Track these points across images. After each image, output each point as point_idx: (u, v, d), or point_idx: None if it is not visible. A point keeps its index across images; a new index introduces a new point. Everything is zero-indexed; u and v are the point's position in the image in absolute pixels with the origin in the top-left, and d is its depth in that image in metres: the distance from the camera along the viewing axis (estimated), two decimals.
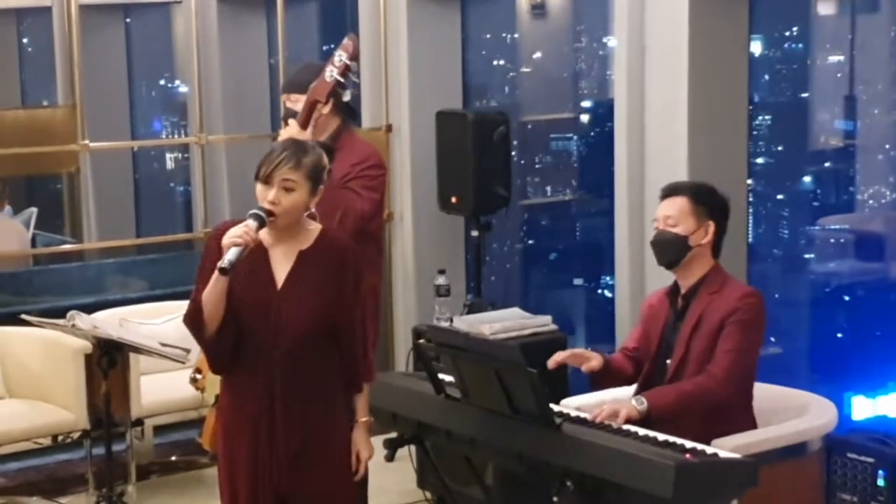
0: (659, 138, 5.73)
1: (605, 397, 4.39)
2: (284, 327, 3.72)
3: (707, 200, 4.31)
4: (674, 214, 4.27)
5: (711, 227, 4.28)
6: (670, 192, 4.35)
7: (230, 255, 3.60)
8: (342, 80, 4.66)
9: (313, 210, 3.78)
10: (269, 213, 3.69)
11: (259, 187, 3.72)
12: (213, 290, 3.65)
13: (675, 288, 4.38)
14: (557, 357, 4.28)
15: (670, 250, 4.28)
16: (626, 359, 4.47)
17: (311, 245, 3.77)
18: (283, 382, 3.74)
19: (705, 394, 4.10)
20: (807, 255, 6.54)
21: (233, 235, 3.63)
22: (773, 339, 6.21)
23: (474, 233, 6.66)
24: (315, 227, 3.82)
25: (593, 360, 4.32)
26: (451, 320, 5.90)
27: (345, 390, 3.84)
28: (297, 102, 4.78)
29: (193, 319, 3.70)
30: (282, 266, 3.77)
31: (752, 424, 4.25)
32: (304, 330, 3.72)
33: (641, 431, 3.79)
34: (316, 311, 3.73)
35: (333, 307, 3.75)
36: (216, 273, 3.61)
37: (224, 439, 3.86)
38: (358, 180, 4.72)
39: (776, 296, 6.46)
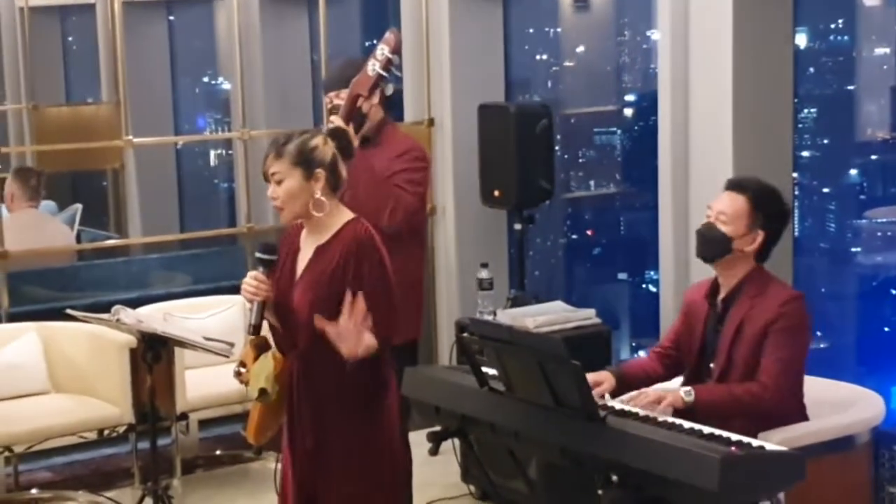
0: (703, 132, 5.69)
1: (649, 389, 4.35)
2: (298, 323, 3.75)
3: (767, 207, 4.20)
4: (729, 212, 4.16)
5: (760, 236, 4.18)
6: (735, 186, 4.24)
7: (252, 317, 3.78)
8: (384, 73, 4.65)
9: (318, 197, 3.72)
10: (272, 249, 3.79)
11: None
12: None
13: (714, 288, 4.32)
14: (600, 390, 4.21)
15: (712, 246, 4.21)
16: (656, 359, 4.40)
17: (327, 239, 3.76)
18: (300, 379, 3.78)
19: (756, 402, 4.02)
20: (854, 249, 6.49)
21: (246, 290, 3.75)
22: (819, 332, 6.16)
23: (517, 226, 6.64)
24: (341, 220, 3.78)
25: (604, 385, 4.22)
26: (495, 314, 5.89)
27: (367, 391, 3.78)
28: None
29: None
30: (303, 263, 3.80)
31: (802, 420, 4.20)
32: (312, 326, 3.69)
33: (686, 424, 3.77)
34: (318, 306, 3.67)
35: (338, 300, 3.65)
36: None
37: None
38: (402, 174, 4.71)
39: (822, 290, 6.41)
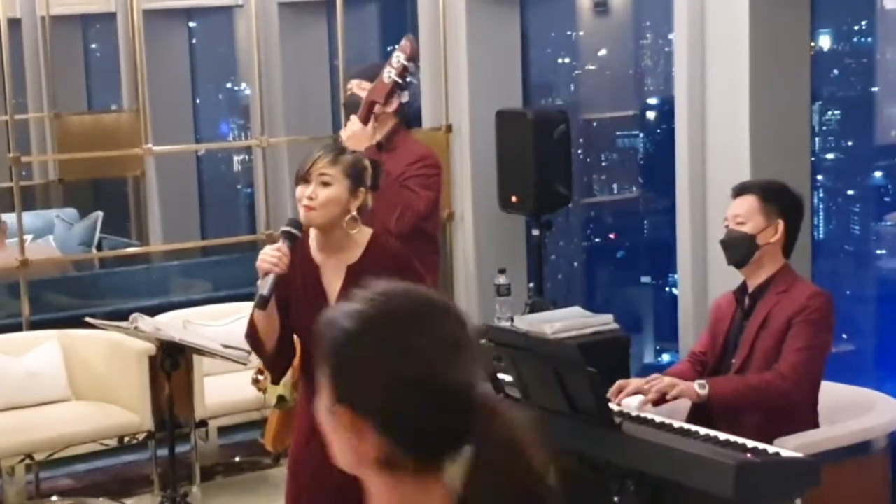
0: (720, 135, 5.67)
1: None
2: None
3: (777, 198, 4.27)
4: (742, 213, 4.24)
5: (781, 225, 4.23)
6: (740, 190, 4.33)
7: (265, 289, 3.55)
8: (400, 80, 4.66)
9: (354, 214, 3.67)
10: (299, 225, 3.65)
11: (298, 189, 3.67)
12: (261, 317, 3.63)
13: (742, 287, 4.34)
14: (622, 396, 4.23)
15: (738, 249, 4.25)
16: (691, 368, 4.41)
17: (359, 258, 3.68)
18: None
19: (770, 390, 4.05)
20: (876, 252, 6.45)
21: (266, 260, 3.57)
22: (844, 335, 6.13)
23: (535, 232, 6.64)
24: (363, 236, 3.72)
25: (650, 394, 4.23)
26: (512, 320, 5.89)
27: None
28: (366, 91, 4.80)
29: (251, 338, 3.70)
30: (333, 283, 3.69)
31: (813, 424, 4.20)
32: None
33: (702, 431, 3.76)
34: None
35: None
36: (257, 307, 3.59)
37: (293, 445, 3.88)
38: (415, 179, 4.73)
39: (847, 292, 6.37)
